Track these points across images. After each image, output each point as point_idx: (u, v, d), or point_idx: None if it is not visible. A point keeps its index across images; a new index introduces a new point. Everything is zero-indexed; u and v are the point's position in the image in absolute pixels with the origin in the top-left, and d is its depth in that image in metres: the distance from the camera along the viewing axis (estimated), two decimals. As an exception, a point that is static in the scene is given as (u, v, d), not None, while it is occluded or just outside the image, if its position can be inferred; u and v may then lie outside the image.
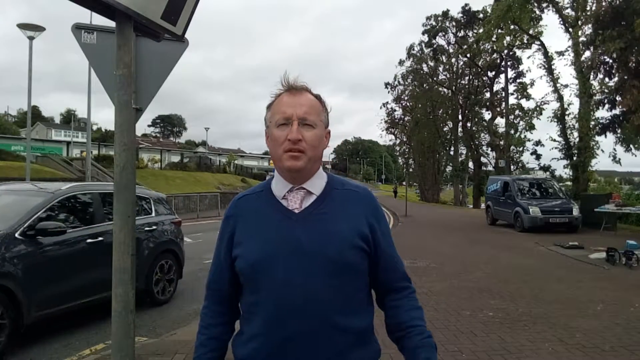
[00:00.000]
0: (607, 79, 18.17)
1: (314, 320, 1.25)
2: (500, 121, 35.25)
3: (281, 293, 1.27)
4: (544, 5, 21.31)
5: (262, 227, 1.34)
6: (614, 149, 20.30)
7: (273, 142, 1.34)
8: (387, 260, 1.40)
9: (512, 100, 32.72)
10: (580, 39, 18.58)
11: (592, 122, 19.20)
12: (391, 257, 1.42)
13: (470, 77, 40.91)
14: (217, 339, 1.43)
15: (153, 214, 6.64)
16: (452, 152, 45.17)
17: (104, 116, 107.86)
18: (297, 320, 1.25)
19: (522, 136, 28.27)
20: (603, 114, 19.43)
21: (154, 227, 6.47)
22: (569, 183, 22.79)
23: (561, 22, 20.60)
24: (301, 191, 1.36)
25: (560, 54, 21.39)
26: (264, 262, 1.29)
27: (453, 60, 41.60)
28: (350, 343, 1.30)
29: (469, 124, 41.38)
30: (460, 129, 42.52)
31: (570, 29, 19.91)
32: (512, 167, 29.71)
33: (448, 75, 44.05)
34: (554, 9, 20.73)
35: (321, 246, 1.28)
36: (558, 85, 21.68)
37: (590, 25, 17.66)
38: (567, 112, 20.96)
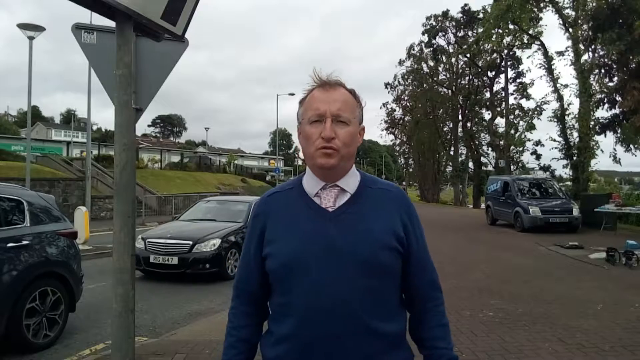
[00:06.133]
0: (607, 80, 18.17)
1: (344, 323, 1.22)
2: (500, 121, 35.29)
3: (312, 294, 1.23)
4: (543, 5, 21.30)
5: (294, 225, 1.29)
6: (614, 149, 20.36)
7: (306, 139, 1.29)
8: (418, 263, 1.35)
9: (512, 100, 32.79)
10: (580, 39, 18.56)
11: (592, 122, 19.21)
12: (422, 260, 1.36)
13: (470, 77, 40.86)
14: (246, 341, 1.38)
15: (26, 223, 4.79)
16: (452, 152, 45.17)
17: (104, 116, 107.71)
18: (327, 322, 1.22)
19: (522, 136, 28.29)
20: (603, 113, 19.43)
21: (25, 242, 4.61)
22: (569, 183, 22.78)
23: (561, 22, 20.61)
24: (335, 189, 1.31)
25: (560, 54, 21.39)
26: (296, 261, 1.25)
27: (453, 60, 41.58)
28: (381, 347, 1.26)
29: (469, 124, 41.36)
30: (460, 129, 42.51)
31: (570, 29, 19.90)
32: (512, 167, 29.70)
33: (448, 75, 44.03)
34: (554, 9, 20.72)
35: (355, 246, 1.24)
36: (558, 85, 21.67)
37: (588, 25, 17.63)
38: (567, 112, 20.96)
